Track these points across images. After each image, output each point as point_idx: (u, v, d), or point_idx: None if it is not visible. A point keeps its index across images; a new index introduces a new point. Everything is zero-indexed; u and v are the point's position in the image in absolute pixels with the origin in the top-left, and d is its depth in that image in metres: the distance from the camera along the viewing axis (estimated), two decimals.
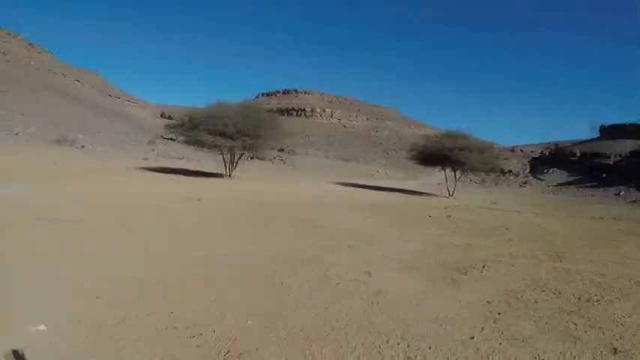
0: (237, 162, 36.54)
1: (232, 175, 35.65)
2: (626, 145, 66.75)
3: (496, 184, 59.19)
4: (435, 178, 47.17)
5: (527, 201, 37.82)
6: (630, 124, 77.92)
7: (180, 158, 48.45)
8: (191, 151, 40.41)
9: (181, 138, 36.48)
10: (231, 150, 34.11)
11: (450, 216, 20.95)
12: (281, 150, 66.62)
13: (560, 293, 8.72)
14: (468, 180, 56.46)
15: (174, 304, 6.60)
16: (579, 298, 8.44)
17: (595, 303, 8.21)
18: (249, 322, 6.15)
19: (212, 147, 33.55)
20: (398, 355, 5.49)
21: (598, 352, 5.96)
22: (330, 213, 18.84)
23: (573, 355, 5.84)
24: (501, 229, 17.78)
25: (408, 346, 5.72)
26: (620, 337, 6.51)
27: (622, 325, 7.08)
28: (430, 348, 5.72)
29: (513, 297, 8.25)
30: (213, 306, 6.69)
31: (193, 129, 32.97)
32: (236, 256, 9.97)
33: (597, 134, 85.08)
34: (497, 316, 7.15)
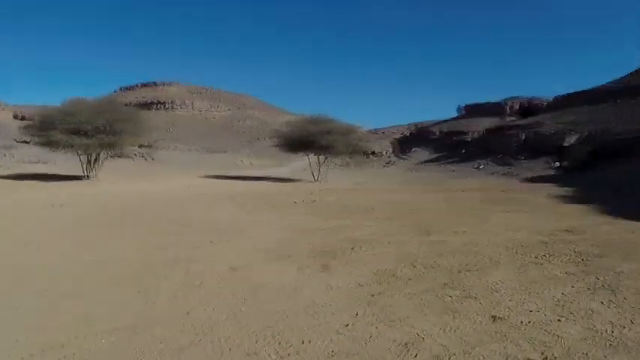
0: (95, 162, 33.90)
1: (92, 177, 33.03)
2: (484, 123, 72.27)
3: (360, 166, 60.75)
4: (300, 164, 47.37)
5: (392, 180, 39.40)
6: (486, 103, 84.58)
7: (35, 162, 44.11)
8: (50, 154, 36.73)
9: (36, 140, 33.12)
10: (87, 149, 31.52)
11: (315, 200, 20.86)
12: (143, 146, 63.45)
13: (432, 267, 8.74)
14: (333, 164, 57.52)
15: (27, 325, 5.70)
16: (452, 270, 8.50)
17: (468, 273, 8.30)
18: (102, 340, 5.34)
19: (67, 147, 30.81)
20: (270, 356, 4.93)
21: (477, 322, 5.88)
22: (198, 208, 17.84)
23: (453, 327, 5.69)
24: (368, 209, 17.99)
25: (279, 345, 5.20)
26: (497, 304, 6.53)
27: (497, 291, 7.16)
28: (303, 343, 5.25)
29: (386, 276, 8.10)
30: (71, 324, 5.83)
31: (46, 129, 30.19)
32: (93, 265, 8.90)
33: (456, 114, 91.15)
34: (371, 297, 6.90)
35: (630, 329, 5.67)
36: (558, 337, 5.44)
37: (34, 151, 41.55)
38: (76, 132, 29.83)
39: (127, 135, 32.28)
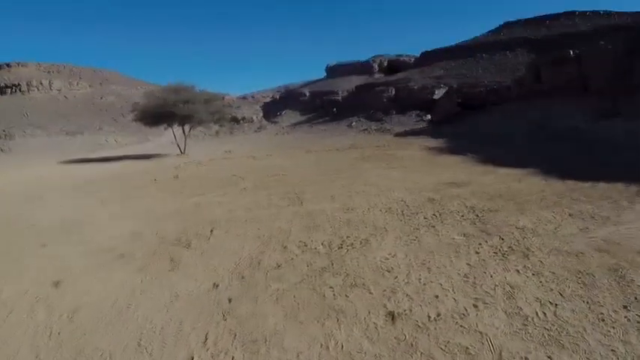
0: None
1: None
2: (353, 82, 71.79)
3: (231, 133, 58.29)
4: (168, 137, 43.90)
5: (262, 145, 37.20)
6: (354, 62, 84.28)
7: None
8: None
9: None
10: None
11: (177, 176, 18.44)
12: None
13: (307, 246, 7.11)
14: (202, 134, 54.62)
15: None
16: (332, 247, 6.90)
17: (351, 249, 6.75)
18: None
19: None
20: None
21: (371, 326, 4.28)
22: (37, 203, 14.64)
23: (339, 342, 4.04)
24: (235, 179, 16.05)
25: None
26: (393, 293, 5.00)
27: (389, 272, 5.64)
28: None
29: (249, 267, 6.35)
30: None
31: None
32: None
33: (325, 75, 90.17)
34: (228, 305, 5.08)
35: (564, 307, 4.34)
36: (482, 335, 3.98)
37: None
38: None
39: None
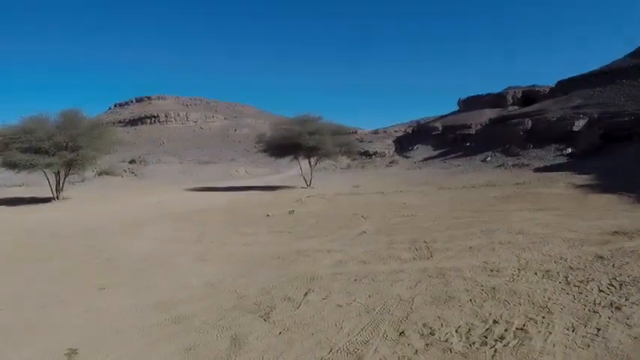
0: (63, 181, 30.03)
1: (61, 197, 29.12)
2: (485, 115, 68.09)
3: (363, 167, 56.70)
4: (298, 169, 43.19)
5: (393, 180, 34.79)
6: (486, 94, 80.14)
7: (20, 185, 40.33)
8: (36, 175, 32.80)
9: None
10: (51, 168, 27.59)
11: (293, 211, 16.61)
12: (133, 162, 59.99)
13: (432, 334, 4.80)
14: (333, 167, 53.58)
15: None
16: (469, 339, 4.62)
17: (499, 344, 4.42)
18: None
19: (28, 167, 27.00)
20: None
21: None
22: (134, 232, 13.56)
23: None
24: (356, 219, 13.87)
25: None
26: None
27: None
28: None
29: None
30: None
31: (5, 149, 26.41)
32: None
33: (457, 108, 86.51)
34: None
35: None
36: None
37: (21, 173, 37.79)
38: (37, 150, 26.06)
39: (91, 150, 28.23)
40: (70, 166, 28.38)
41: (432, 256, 8.15)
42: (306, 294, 6.33)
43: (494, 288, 6.11)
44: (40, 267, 9.19)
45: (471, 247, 8.70)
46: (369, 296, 6.07)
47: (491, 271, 6.99)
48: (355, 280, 6.92)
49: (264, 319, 5.45)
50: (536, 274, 6.73)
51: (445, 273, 7.00)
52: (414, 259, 8.13)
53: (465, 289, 6.12)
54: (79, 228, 14.83)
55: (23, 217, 19.05)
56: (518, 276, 6.65)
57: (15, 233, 14.42)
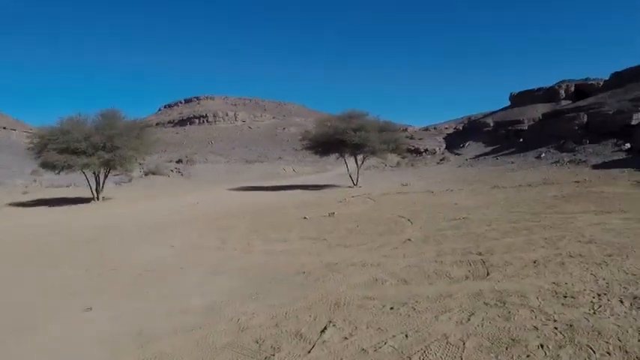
0: (104, 182, 29.71)
1: (101, 198, 28.82)
2: (537, 109, 65.10)
3: (412, 165, 54.78)
4: (344, 168, 41.76)
5: (443, 178, 32.82)
6: (538, 88, 76.79)
7: (67, 186, 40.73)
8: (78, 176, 32.88)
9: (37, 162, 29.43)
10: (88, 168, 27.29)
11: (333, 214, 15.15)
12: (180, 162, 60.18)
13: None
14: (383, 165, 51.90)
15: None
16: None
17: None
18: None
19: (66, 168, 26.79)
20: None
21: None
22: (155, 236, 12.54)
23: None
24: (401, 222, 12.34)
25: None
26: None
27: None
28: None
29: None
30: None
31: (43, 150, 26.35)
32: None
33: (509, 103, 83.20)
34: None
35: None
36: None
37: (70, 175, 38.00)
38: (74, 151, 25.72)
39: (129, 150, 27.68)
40: (108, 166, 27.98)
41: (488, 274, 6.59)
42: (324, 330, 4.88)
43: (571, 325, 4.54)
44: (38, 277, 8.30)
45: (535, 262, 7.08)
46: (406, 336, 4.56)
47: (565, 297, 5.39)
48: (391, 308, 5.42)
49: None
50: (621, 301, 5.12)
51: (506, 299, 5.44)
52: (467, 277, 6.58)
53: (533, 327, 4.57)
54: (100, 232, 13.97)
55: (59, 218, 18.50)
56: (599, 305, 5.06)
57: (37, 237, 13.65)
